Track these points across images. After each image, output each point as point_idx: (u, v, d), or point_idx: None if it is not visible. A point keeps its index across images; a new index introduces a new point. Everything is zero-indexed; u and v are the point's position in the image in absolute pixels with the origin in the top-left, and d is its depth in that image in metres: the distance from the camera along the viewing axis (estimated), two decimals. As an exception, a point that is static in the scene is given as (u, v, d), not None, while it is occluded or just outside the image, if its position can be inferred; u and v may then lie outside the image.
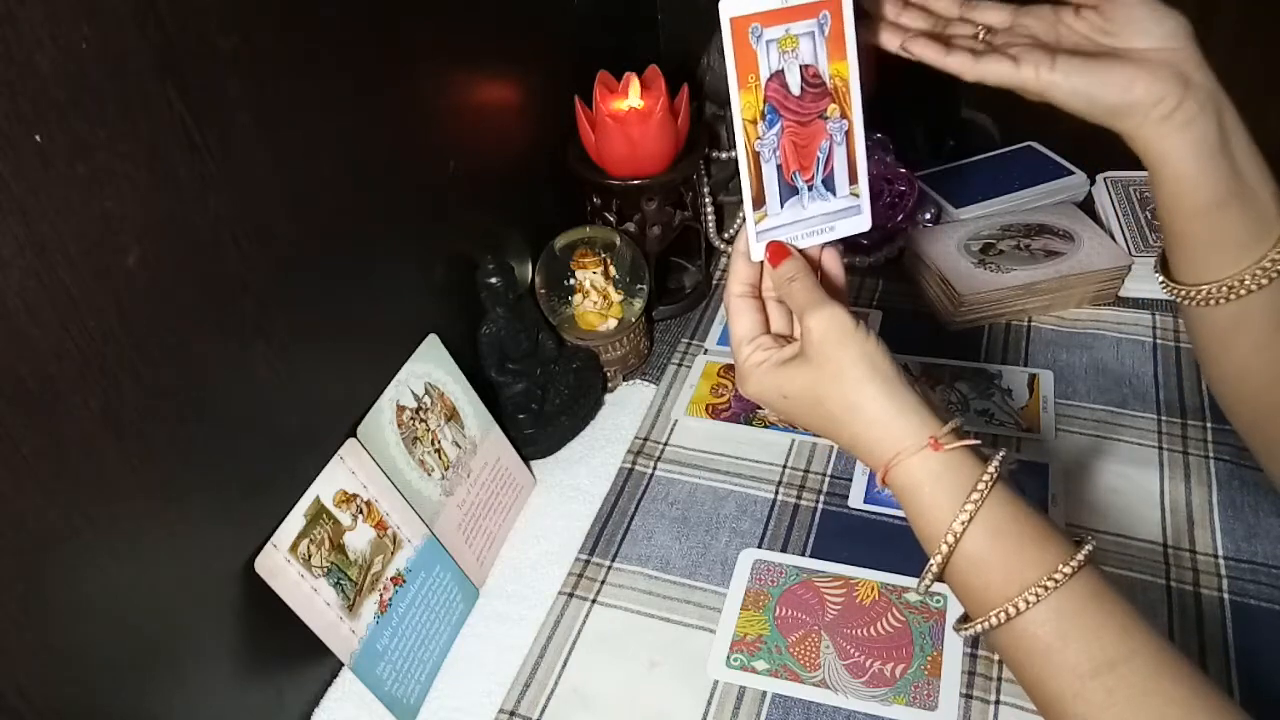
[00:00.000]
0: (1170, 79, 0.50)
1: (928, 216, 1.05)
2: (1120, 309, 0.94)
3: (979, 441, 0.50)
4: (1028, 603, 0.46)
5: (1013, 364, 0.90)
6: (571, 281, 0.90)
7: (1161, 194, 0.54)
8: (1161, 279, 0.58)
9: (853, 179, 0.57)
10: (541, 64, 0.90)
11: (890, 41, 0.57)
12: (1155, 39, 0.52)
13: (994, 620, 0.47)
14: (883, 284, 1.02)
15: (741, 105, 0.54)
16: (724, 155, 0.99)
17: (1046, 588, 0.46)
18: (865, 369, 0.51)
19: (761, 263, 0.57)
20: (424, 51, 0.71)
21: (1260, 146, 0.53)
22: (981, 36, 0.57)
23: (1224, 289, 0.54)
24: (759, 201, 0.56)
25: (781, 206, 0.56)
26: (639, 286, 0.92)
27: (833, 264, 0.58)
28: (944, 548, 0.48)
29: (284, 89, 0.57)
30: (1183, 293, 0.56)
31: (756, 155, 0.55)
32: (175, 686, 0.56)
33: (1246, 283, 0.53)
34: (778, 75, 0.54)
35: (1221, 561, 0.72)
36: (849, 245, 1.00)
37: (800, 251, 0.57)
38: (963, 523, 0.47)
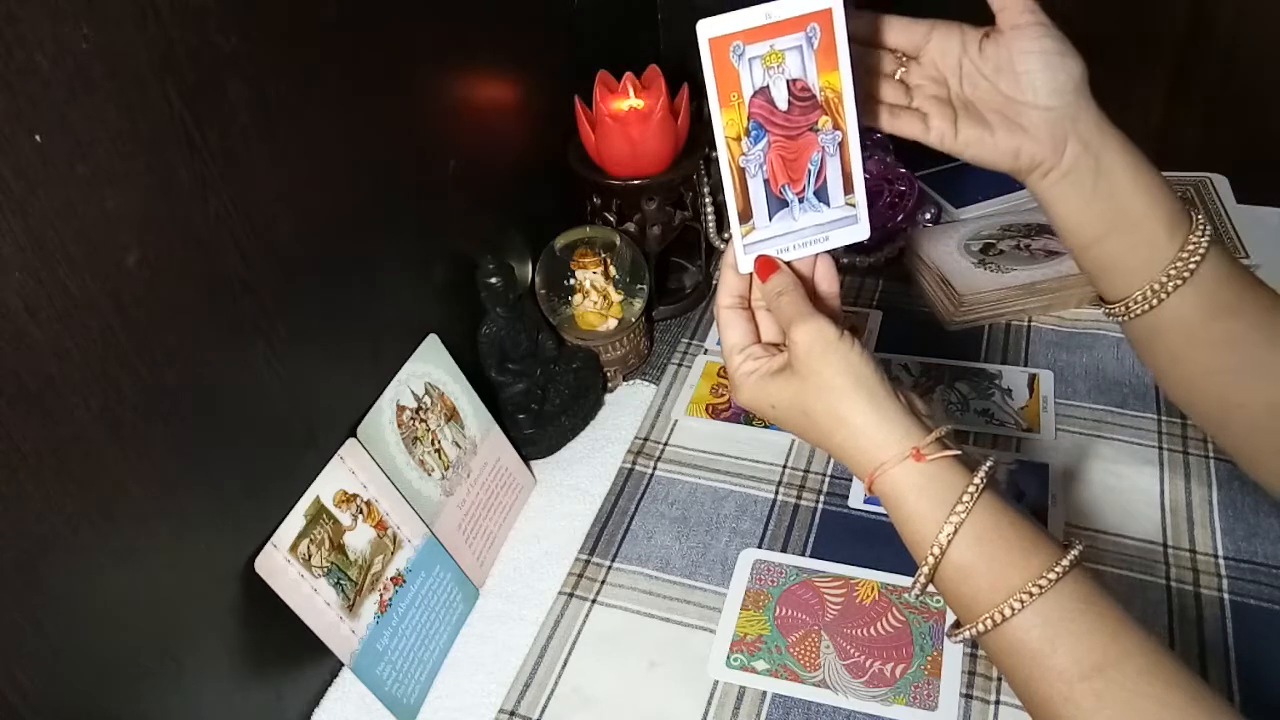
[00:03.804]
0: (1049, 141, 0.55)
1: (928, 216, 1.05)
2: (1120, 309, 0.94)
3: (962, 451, 0.50)
4: (1013, 609, 0.46)
5: (1013, 364, 0.90)
6: (571, 281, 0.90)
7: (1055, 231, 0.59)
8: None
9: (848, 189, 0.57)
10: (541, 64, 0.90)
11: None
12: (1043, 96, 0.54)
13: (981, 627, 0.47)
14: (883, 284, 1.02)
15: (724, 123, 0.54)
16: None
17: (1032, 593, 0.46)
18: (849, 380, 0.51)
19: (751, 274, 0.57)
20: (424, 51, 0.71)
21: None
22: (898, 75, 0.59)
23: (1125, 307, 0.57)
24: (745, 215, 0.56)
25: (770, 219, 0.56)
26: (639, 286, 0.92)
27: (825, 276, 0.58)
28: (930, 559, 0.49)
29: (284, 89, 0.57)
30: (1105, 310, 0.60)
31: (741, 171, 0.55)
32: (175, 686, 0.56)
33: (1140, 302, 0.56)
34: (762, 91, 0.53)
35: (1221, 561, 0.72)
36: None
37: (789, 264, 0.57)
38: (948, 535, 0.48)
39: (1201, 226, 0.55)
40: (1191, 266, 0.54)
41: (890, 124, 0.58)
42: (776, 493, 0.80)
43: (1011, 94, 0.55)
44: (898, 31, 0.59)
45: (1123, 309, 0.57)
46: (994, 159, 0.57)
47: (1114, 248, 0.56)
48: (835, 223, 0.57)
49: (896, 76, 0.59)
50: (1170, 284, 0.55)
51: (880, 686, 0.66)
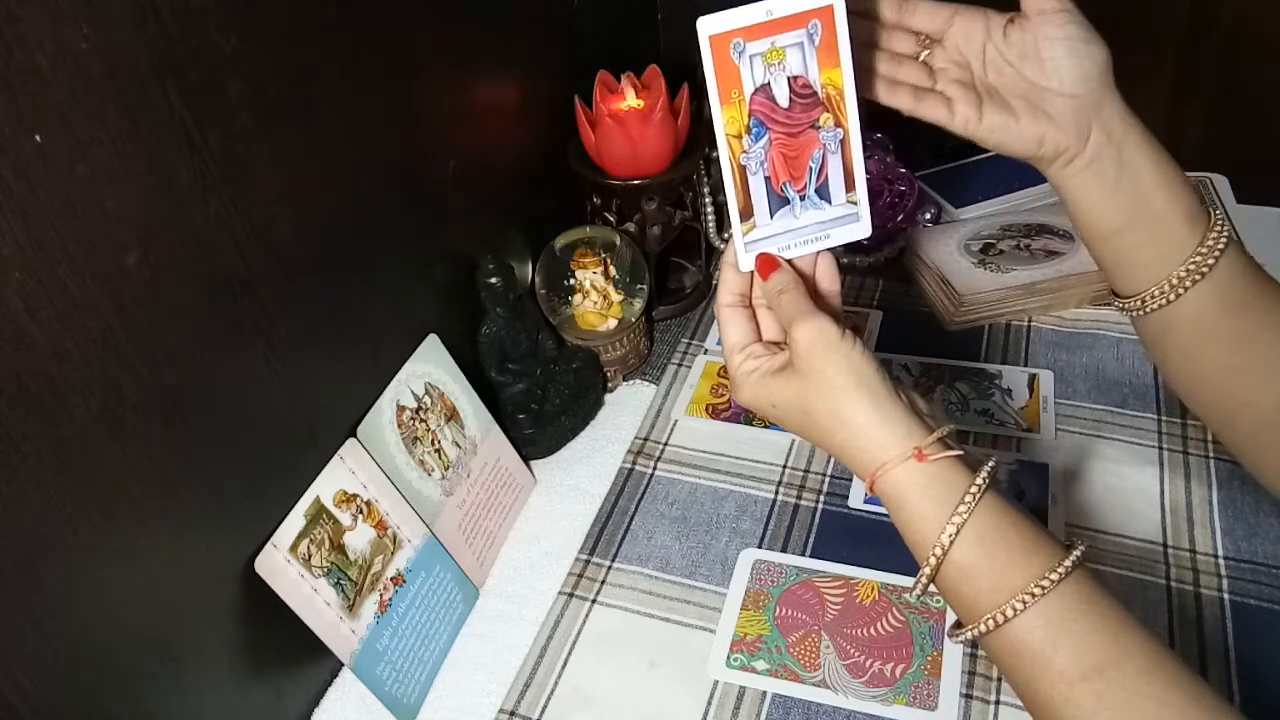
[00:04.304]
0: (1074, 129, 0.54)
1: (928, 216, 1.05)
2: (1120, 309, 0.94)
3: (964, 451, 0.50)
4: (1015, 609, 0.46)
5: (1013, 364, 0.90)
6: (571, 281, 0.90)
7: (1073, 223, 0.59)
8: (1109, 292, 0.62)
9: (849, 187, 0.56)
10: (541, 64, 0.90)
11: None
12: (1068, 84, 0.54)
13: (983, 628, 0.47)
14: (883, 284, 1.02)
15: (725, 120, 0.53)
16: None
17: (1034, 594, 0.46)
18: (850, 379, 0.51)
19: (751, 272, 0.57)
20: (424, 51, 0.71)
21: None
22: (922, 57, 0.59)
23: (1140, 301, 0.57)
24: (746, 213, 0.56)
25: (771, 217, 0.56)
26: (639, 286, 0.92)
27: (826, 273, 0.58)
28: (932, 559, 0.48)
29: (284, 89, 0.57)
30: (1117, 304, 0.59)
31: (742, 169, 0.55)
32: (175, 686, 0.56)
33: (1157, 296, 0.56)
34: (763, 89, 0.53)
35: (1221, 561, 0.72)
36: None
37: (790, 262, 0.57)
38: (950, 535, 0.48)
39: (1221, 222, 0.55)
40: (1210, 262, 0.54)
41: (915, 106, 0.57)
42: (776, 493, 0.80)
43: (1036, 80, 0.55)
44: (922, 15, 0.58)
45: (1138, 304, 0.57)
46: (1018, 146, 0.56)
47: (1133, 240, 0.56)
48: (837, 220, 0.57)
49: (920, 59, 0.59)
50: (1188, 279, 0.54)
51: (880, 686, 0.66)
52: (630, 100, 0.88)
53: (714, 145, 0.55)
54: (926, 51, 0.59)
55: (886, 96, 0.57)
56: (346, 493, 0.65)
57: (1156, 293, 0.56)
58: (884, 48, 0.59)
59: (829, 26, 0.52)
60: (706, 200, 1.00)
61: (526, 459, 0.84)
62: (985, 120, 0.56)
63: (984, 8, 0.57)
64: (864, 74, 0.56)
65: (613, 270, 0.90)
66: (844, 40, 0.53)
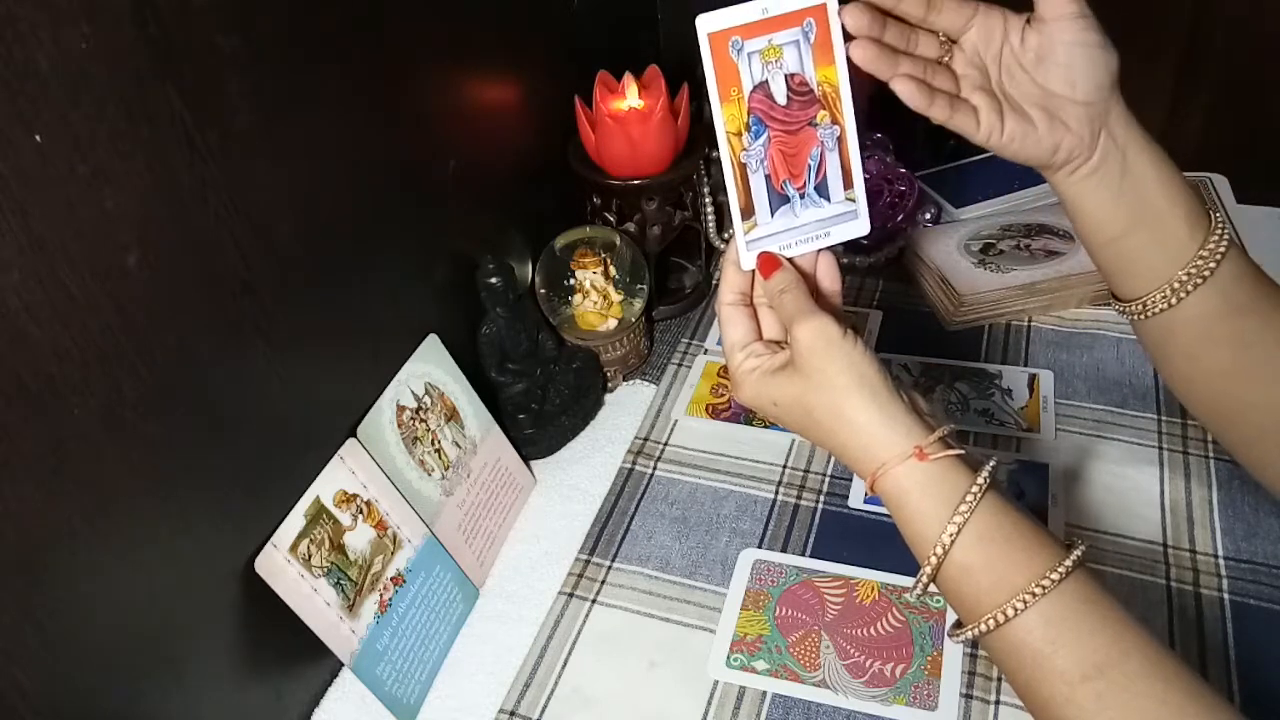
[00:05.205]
0: (1086, 136, 0.54)
1: (928, 216, 1.05)
2: (1120, 309, 0.94)
3: (965, 451, 0.50)
4: (1016, 609, 0.46)
5: (1013, 364, 0.90)
6: (571, 281, 0.90)
7: (1075, 227, 0.58)
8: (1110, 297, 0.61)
9: (848, 184, 0.57)
10: (541, 64, 0.90)
11: (883, 71, 0.54)
12: (1082, 91, 0.53)
13: (983, 627, 0.47)
14: (883, 284, 1.02)
15: (725, 118, 0.54)
16: (724, 155, 0.99)
17: (1034, 594, 0.46)
18: (852, 378, 0.51)
19: (753, 271, 0.57)
20: (424, 51, 0.71)
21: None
22: (945, 60, 0.57)
23: (1142, 305, 0.57)
24: (747, 211, 0.56)
25: (772, 215, 0.56)
26: (639, 286, 0.92)
27: (827, 272, 0.58)
28: (933, 558, 0.48)
29: (284, 89, 0.57)
30: (1118, 307, 0.59)
31: (743, 166, 0.55)
32: (175, 686, 0.56)
33: (1159, 300, 0.56)
34: (761, 86, 0.53)
35: (1221, 561, 0.72)
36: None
37: (792, 260, 0.57)
38: (951, 534, 0.48)
39: (1221, 225, 0.55)
40: (1212, 265, 0.54)
41: (950, 116, 0.55)
42: (776, 493, 0.80)
43: (1050, 87, 0.54)
44: (948, 13, 0.56)
45: (1139, 307, 0.57)
46: (1034, 154, 0.55)
47: (1135, 244, 0.56)
48: (836, 218, 0.57)
49: (943, 63, 0.57)
50: (1190, 283, 0.54)
51: (880, 686, 0.66)
52: (630, 100, 0.88)
53: (714, 145, 0.55)
54: (947, 55, 0.57)
55: (924, 105, 0.54)
56: (346, 493, 0.65)
57: (1159, 296, 0.55)
58: (915, 53, 0.56)
59: (823, 25, 0.53)
60: (706, 200, 1.00)
61: (526, 459, 0.84)
62: (1007, 130, 0.54)
63: (1002, 8, 0.56)
64: (901, 81, 0.53)
65: (613, 270, 0.90)
66: (838, 38, 0.53)
